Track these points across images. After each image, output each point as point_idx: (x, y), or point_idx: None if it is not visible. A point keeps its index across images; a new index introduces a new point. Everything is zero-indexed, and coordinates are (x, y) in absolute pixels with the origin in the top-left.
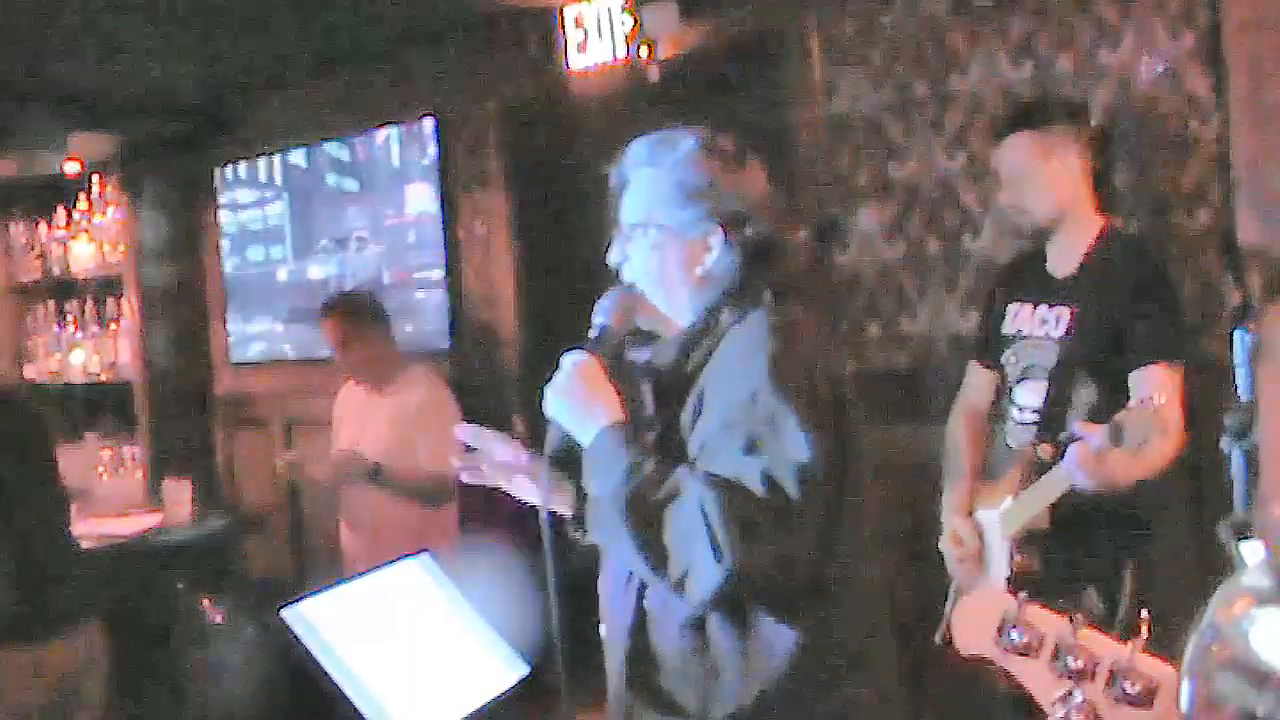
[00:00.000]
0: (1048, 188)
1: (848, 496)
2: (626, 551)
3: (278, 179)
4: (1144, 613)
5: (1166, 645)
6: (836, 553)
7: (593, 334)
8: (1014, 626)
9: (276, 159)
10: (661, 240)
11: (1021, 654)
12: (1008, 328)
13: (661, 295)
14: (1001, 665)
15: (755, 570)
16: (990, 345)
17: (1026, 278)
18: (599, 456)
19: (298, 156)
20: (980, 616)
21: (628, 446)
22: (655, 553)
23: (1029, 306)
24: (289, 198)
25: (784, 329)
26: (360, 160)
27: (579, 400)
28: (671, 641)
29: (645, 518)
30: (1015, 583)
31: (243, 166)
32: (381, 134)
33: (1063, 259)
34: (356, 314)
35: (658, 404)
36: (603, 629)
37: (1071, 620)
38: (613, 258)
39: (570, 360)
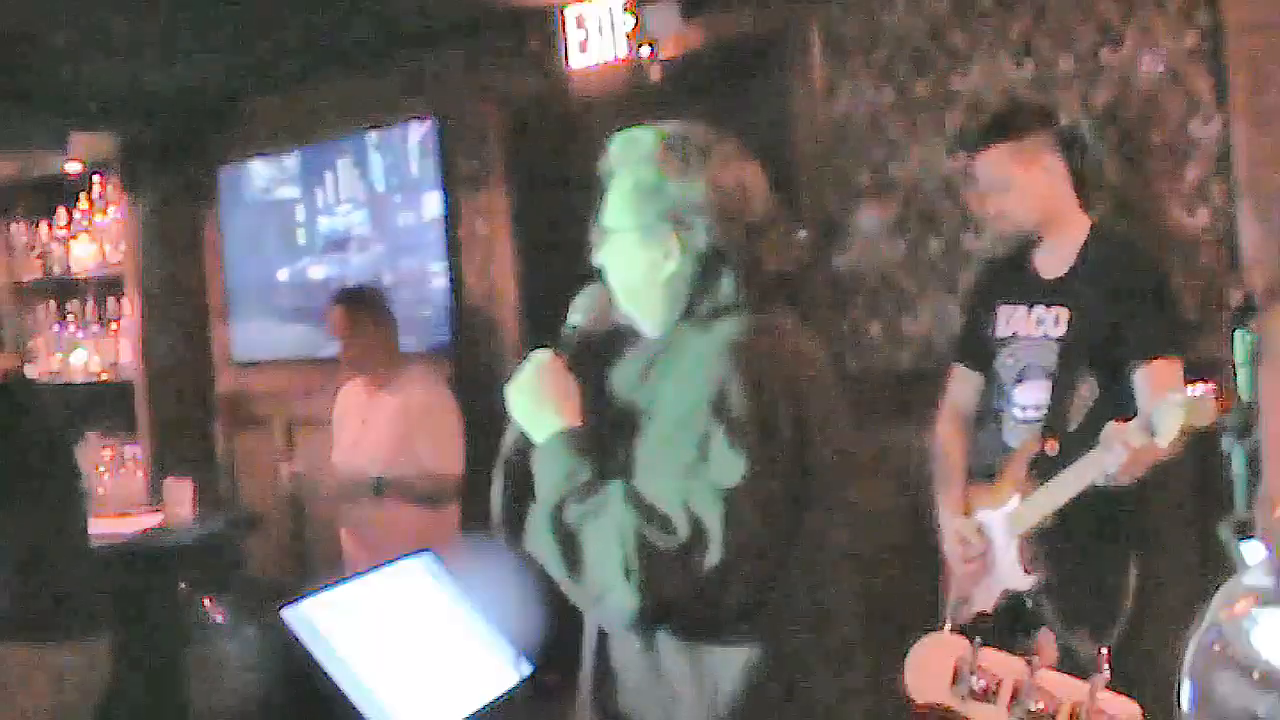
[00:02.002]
0: (1032, 195)
1: (810, 513)
2: (550, 562)
3: (279, 178)
4: (1103, 650)
5: (1171, 643)
6: (790, 574)
7: (565, 332)
8: (970, 672)
9: (278, 158)
10: (625, 246)
11: (979, 700)
12: (1001, 330)
13: (631, 301)
14: (959, 712)
15: (667, 596)
16: (976, 348)
17: (1013, 280)
18: (543, 460)
19: (298, 156)
20: (934, 663)
21: (571, 454)
22: (574, 568)
23: (1022, 308)
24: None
25: (740, 346)
26: (360, 160)
27: (536, 399)
28: (630, 661)
29: (569, 531)
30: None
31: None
32: (382, 133)
33: (1052, 260)
34: (368, 306)
35: (624, 420)
36: (585, 644)
37: (1029, 663)
38: (596, 260)
39: (535, 358)
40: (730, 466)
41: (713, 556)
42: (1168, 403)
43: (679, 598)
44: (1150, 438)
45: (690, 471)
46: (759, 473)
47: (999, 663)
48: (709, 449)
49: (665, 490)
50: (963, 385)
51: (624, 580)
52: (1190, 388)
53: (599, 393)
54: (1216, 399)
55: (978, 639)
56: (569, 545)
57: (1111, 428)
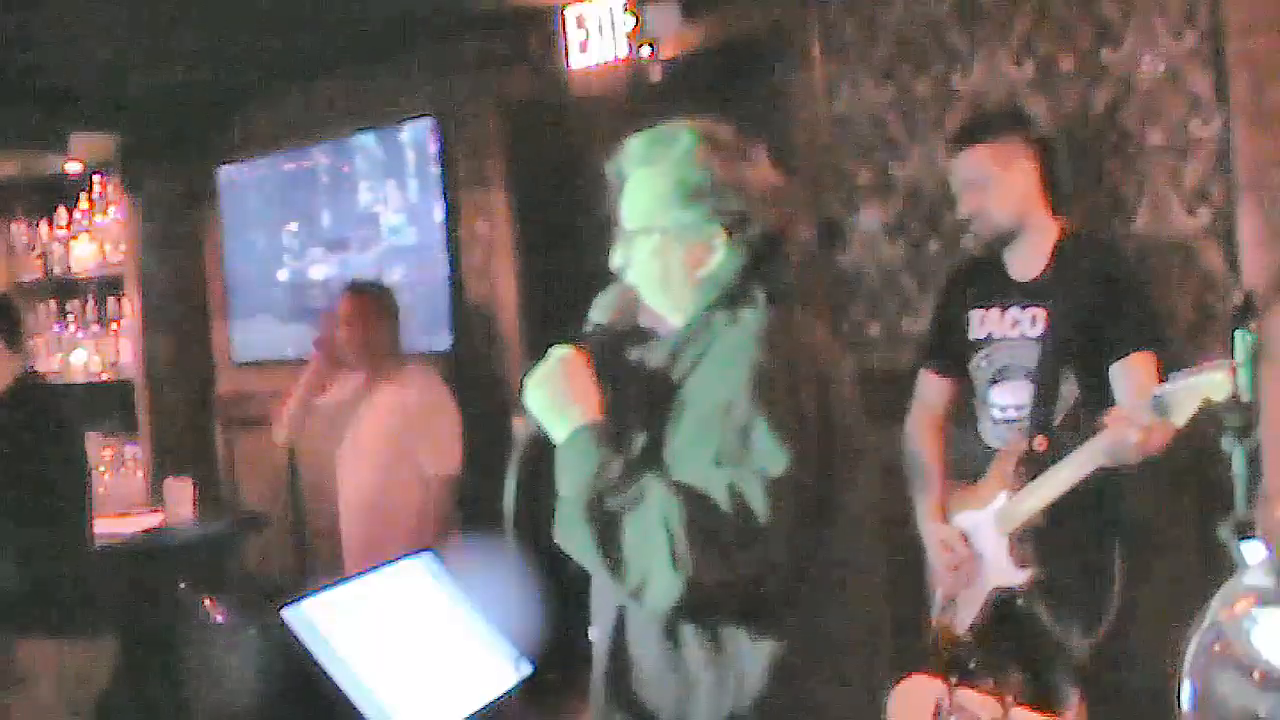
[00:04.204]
0: (1008, 195)
1: (837, 506)
2: (586, 554)
3: (279, 178)
4: (1079, 692)
5: (1156, 635)
6: (816, 564)
7: (586, 329)
8: (948, 711)
9: (278, 158)
10: (663, 245)
11: None
12: (975, 333)
13: (661, 298)
14: None
15: (714, 583)
16: (946, 353)
17: (985, 283)
18: (569, 456)
19: (298, 156)
20: (915, 703)
21: (598, 449)
22: (614, 558)
23: (995, 310)
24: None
25: (771, 335)
26: (360, 160)
27: (558, 395)
28: (649, 650)
29: (606, 522)
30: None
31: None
32: (382, 134)
33: (1026, 262)
34: (375, 298)
35: (646, 407)
36: (592, 631)
37: (1003, 702)
38: (615, 261)
39: (556, 354)
40: (775, 455)
41: (761, 543)
42: (1185, 384)
43: (726, 584)
44: (1161, 418)
45: (734, 460)
46: (799, 461)
47: (975, 702)
48: (751, 438)
49: (710, 478)
50: (933, 390)
51: (670, 568)
52: (1209, 365)
53: (620, 386)
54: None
55: (954, 678)
56: (608, 537)
57: (1118, 411)
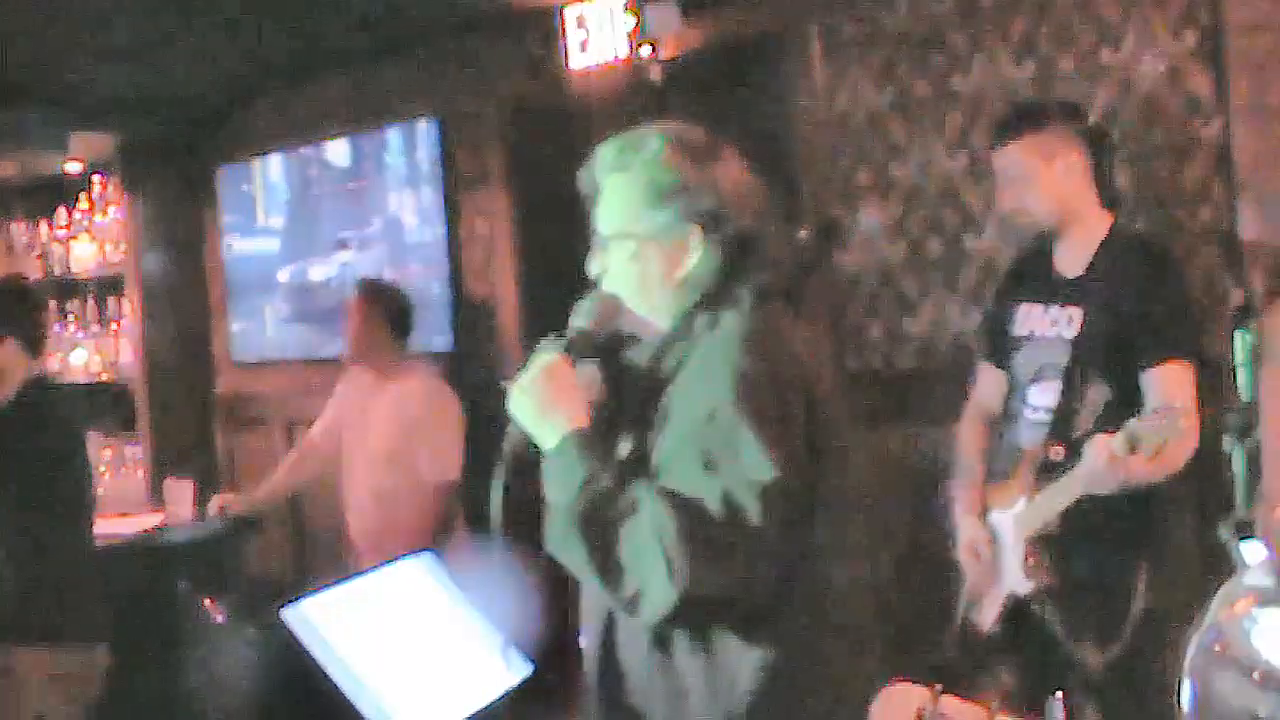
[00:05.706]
0: (1051, 189)
1: (824, 510)
2: (579, 565)
3: (279, 178)
4: (1059, 693)
5: (1174, 645)
6: (805, 570)
7: (568, 335)
8: (931, 718)
9: (278, 158)
10: (638, 250)
11: None
12: (1019, 329)
13: (642, 302)
14: None
15: (709, 591)
16: (999, 346)
17: (1034, 278)
18: (557, 465)
19: (299, 156)
20: (898, 711)
21: (586, 456)
22: (607, 569)
23: (1039, 307)
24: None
25: (754, 338)
26: (361, 160)
27: (543, 403)
28: (639, 657)
29: (598, 532)
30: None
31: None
32: (382, 134)
33: (1071, 258)
34: (381, 300)
35: (630, 412)
36: (582, 639)
37: (988, 709)
38: (593, 269)
39: (539, 360)
40: (763, 461)
41: (752, 549)
42: (1149, 423)
43: (720, 591)
44: (1132, 450)
45: (723, 466)
46: (785, 465)
47: (959, 710)
48: (738, 443)
49: (700, 485)
50: (987, 383)
51: (665, 578)
52: (1166, 409)
53: (606, 391)
54: (1186, 417)
55: (939, 686)
56: (600, 547)
57: (1098, 439)
